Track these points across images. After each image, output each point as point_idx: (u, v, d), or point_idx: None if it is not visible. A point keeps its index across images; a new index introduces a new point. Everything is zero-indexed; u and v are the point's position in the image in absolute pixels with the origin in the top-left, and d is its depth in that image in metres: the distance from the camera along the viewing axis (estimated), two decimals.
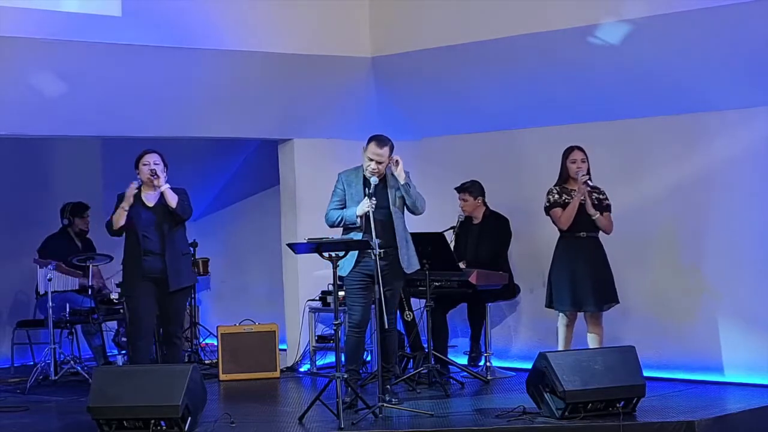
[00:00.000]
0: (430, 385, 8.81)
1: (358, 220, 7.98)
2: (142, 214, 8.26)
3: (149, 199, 8.31)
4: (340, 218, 8.07)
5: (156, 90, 9.20)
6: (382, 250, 7.71)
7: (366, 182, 8.03)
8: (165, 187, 8.23)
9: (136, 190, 8.22)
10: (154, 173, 8.19)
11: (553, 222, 8.61)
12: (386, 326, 7.90)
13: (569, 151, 8.58)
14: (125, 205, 8.19)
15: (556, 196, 8.57)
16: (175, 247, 8.30)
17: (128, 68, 8.90)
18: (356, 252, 7.94)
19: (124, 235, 8.32)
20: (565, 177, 8.60)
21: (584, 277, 8.46)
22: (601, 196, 8.56)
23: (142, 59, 8.90)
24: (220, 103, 9.58)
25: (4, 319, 11.08)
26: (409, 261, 8.14)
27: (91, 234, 10.48)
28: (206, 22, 9.14)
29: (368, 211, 7.84)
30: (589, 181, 8.45)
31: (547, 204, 8.60)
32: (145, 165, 8.26)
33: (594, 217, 8.45)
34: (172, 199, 8.22)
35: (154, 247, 8.23)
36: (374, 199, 7.87)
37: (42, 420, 8.18)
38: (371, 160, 8.01)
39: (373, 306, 8.18)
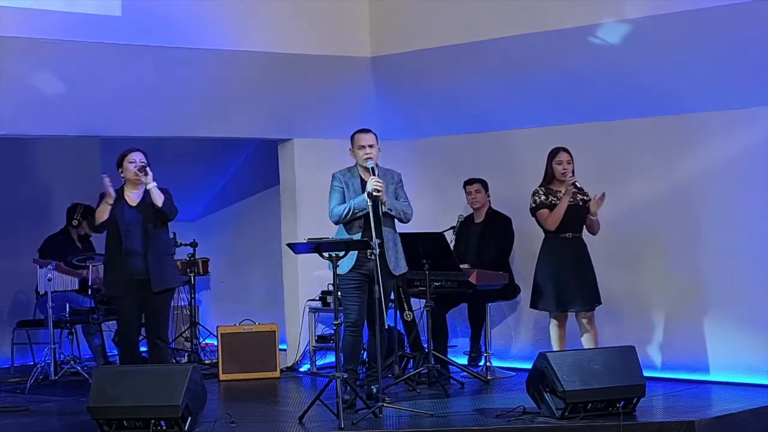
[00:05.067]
0: (430, 385, 8.80)
1: (369, 203, 7.93)
2: (126, 212, 8.11)
3: (133, 197, 8.18)
4: (347, 209, 8.02)
5: (156, 90, 9.20)
6: (377, 250, 7.68)
7: (362, 179, 8.06)
8: (152, 185, 8.08)
9: (111, 186, 8.02)
10: (143, 170, 8.05)
11: (539, 223, 8.59)
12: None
13: (555, 152, 8.56)
14: (108, 199, 8.02)
15: (543, 197, 8.54)
16: (158, 247, 8.14)
17: (128, 68, 8.90)
18: (356, 252, 7.94)
19: (105, 233, 8.19)
20: (550, 178, 8.58)
21: (569, 277, 8.45)
22: (585, 197, 8.55)
23: (142, 59, 8.90)
24: (219, 103, 9.58)
25: (4, 319, 11.07)
26: (397, 263, 8.13)
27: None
28: (206, 23, 9.15)
29: (377, 187, 7.83)
30: (576, 183, 8.45)
31: (533, 205, 8.57)
32: (131, 162, 8.12)
33: (594, 218, 8.46)
34: (159, 198, 8.07)
35: (137, 246, 8.07)
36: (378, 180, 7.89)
37: (42, 420, 8.18)
38: (362, 147, 8.05)
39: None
